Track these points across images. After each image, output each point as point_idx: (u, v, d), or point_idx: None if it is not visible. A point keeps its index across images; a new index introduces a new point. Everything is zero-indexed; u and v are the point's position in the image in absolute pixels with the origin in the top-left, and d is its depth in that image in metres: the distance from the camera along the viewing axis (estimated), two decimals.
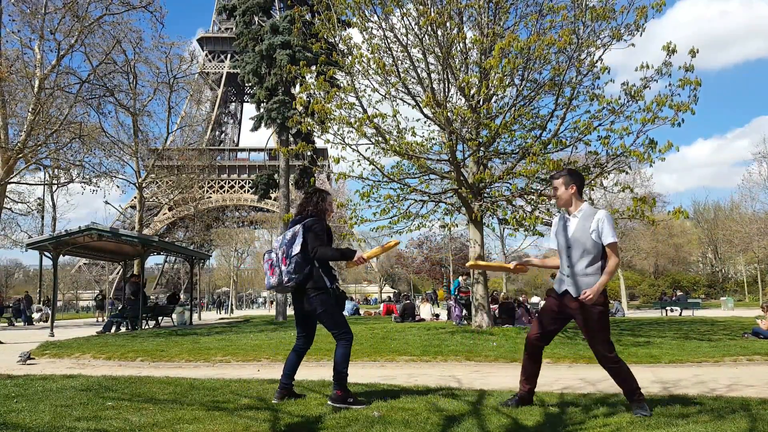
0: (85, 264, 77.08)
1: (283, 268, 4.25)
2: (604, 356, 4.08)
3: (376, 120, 10.07)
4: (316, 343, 9.85)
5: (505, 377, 6.28)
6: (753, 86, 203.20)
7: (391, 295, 60.17)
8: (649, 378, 6.44)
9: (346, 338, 4.41)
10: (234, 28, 22.17)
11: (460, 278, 16.10)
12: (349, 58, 10.07)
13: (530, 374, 4.32)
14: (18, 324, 23.85)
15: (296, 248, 4.26)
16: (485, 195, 10.94)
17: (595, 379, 6.23)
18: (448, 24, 9.61)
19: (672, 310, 25.57)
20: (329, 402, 4.26)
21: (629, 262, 42.06)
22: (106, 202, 27.39)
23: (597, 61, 9.38)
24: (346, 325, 4.46)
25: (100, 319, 25.45)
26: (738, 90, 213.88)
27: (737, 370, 7.16)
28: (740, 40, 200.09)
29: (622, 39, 9.06)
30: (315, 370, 7.55)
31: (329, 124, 10.21)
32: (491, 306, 12.38)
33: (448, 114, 9.46)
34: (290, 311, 27.33)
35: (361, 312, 24.69)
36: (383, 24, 9.83)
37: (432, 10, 9.34)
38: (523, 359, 4.38)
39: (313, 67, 11.06)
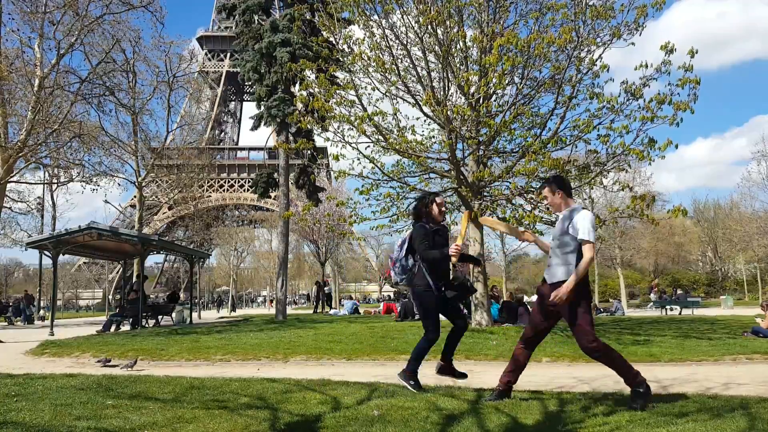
0: (85, 263, 77.08)
1: (395, 269, 4.87)
2: (585, 347, 4.18)
3: (376, 118, 10.07)
4: (317, 343, 9.89)
5: None
6: (750, 86, 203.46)
7: (392, 294, 60.19)
8: (648, 377, 6.44)
9: (428, 338, 4.84)
10: (234, 27, 22.13)
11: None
12: (350, 56, 10.07)
13: (517, 367, 4.45)
14: (18, 323, 23.86)
15: (402, 252, 4.84)
16: (485, 194, 10.94)
17: (590, 378, 6.24)
18: (448, 22, 9.60)
19: (671, 309, 25.58)
20: (398, 374, 4.89)
21: (629, 260, 42.01)
22: (106, 201, 27.28)
23: (597, 60, 9.38)
24: (433, 326, 4.84)
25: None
26: (736, 90, 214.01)
27: (736, 369, 7.17)
28: (737, 41, 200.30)
29: (621, 37, 9.05)
30: (315, 369, 7.56)
31: (329, 122, 10.21)
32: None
33: (448, 112, 9.45)
34: (290, 310, 27.32)
35: (361, 311, 24.70)
36: (383, 22, 9.82)
37: (432, 8, 9.33)
38: (516, 350, 4.50)
39: (314, 65, 11.06)
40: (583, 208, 4.40)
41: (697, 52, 8.32)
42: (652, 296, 29.82)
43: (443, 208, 4.97)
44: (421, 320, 4.95)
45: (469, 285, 5.23)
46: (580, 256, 4.18)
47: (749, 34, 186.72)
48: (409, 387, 4.76)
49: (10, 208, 25.26)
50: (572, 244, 4.23)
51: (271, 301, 47.69)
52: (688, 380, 6.07)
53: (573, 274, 4.12)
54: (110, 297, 50.16)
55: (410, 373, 4.85)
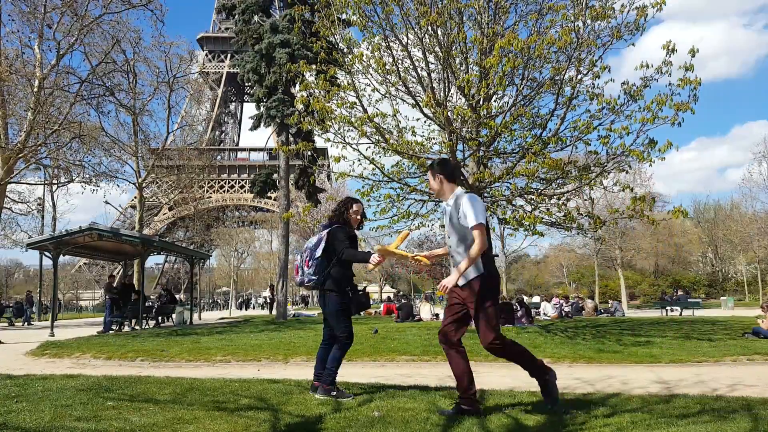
0: (85, 264, 77.09)
1: (306, 269, 4.66)
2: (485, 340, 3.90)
3: (376, 119, 10.07)
4: (317, 343, 9.84)
5: (503, 377, 6.28)
6: (726, 103, 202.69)
7: (391, 295, 60.14)
8: (650, 378, 6.44)
9: (344, 343, 4.69)
10: (233, 27, 22.16)
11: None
12: (349, 56, 10.06)
13: (458, 375, 4.03)
14: (18, 324, 23.84)
15: (318, 252, 4.63)
16: (485, 195, 10.93)
17: (591, 379, 6.23)
18: (448, 24, 9.60)
19: (672, 310, 25.57)
20: (316, 395, 4.60)
21: (630, 261, 41.99)
22: (106, 202, 27.26)
23: (597, 61, 9.37)
24: (348, 330, 4.69)
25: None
26: (717, 102, 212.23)
27: (737, 370, 7.16)
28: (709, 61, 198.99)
29: (622, 38, 9.05)
30: (311, 370, 7.54)
31: (329, 123, 10.20)
32: None
33: (448, 113, 9.45)
34: (290, 310, 27.34)
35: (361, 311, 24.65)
36: (383, 23, 9.81)
37: (432, 9, 9.32)
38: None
39: (313, 66, 11.04)
40: (467, 192, 4.05)
41: (698, 51, 8.32)
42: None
43: (359, 216, 4.87)
44: (334, 325, 4.67)
45: (363, 300, 4.92)
46: None
47: (721, 54, 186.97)
48: (335, 398, 4.48)
49: (10, 208, 25.23)
50: (466, 232, 3.87)
51: (271, 303, 47.56)
52: (693, 381, 6.06)
53: (463, 261, 3.82)
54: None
55: (329, 386, 4.60)
